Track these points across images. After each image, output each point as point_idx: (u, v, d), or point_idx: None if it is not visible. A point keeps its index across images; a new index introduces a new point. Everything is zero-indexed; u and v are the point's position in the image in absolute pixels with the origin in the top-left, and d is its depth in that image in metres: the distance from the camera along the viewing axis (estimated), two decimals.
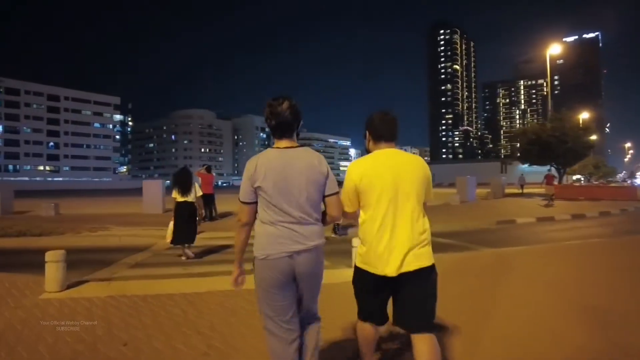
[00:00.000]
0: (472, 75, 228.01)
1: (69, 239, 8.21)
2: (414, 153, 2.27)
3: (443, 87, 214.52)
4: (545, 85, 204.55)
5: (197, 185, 6.65)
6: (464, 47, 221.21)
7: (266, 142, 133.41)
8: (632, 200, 19.65)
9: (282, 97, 2.00)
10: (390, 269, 1.97)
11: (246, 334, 3.10)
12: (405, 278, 1.99)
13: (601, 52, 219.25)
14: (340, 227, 8.96)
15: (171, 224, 6.40)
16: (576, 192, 23.71)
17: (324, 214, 2.09)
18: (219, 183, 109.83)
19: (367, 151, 2.22)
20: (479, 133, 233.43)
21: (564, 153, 25.66)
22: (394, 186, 2.02)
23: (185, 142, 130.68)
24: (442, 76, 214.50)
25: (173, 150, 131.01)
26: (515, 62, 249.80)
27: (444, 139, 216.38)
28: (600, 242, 7.84)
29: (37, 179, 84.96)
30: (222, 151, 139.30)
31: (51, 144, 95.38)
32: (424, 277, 2.03)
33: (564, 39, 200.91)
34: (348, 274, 2.27)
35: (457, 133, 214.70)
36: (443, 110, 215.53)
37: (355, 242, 2.26)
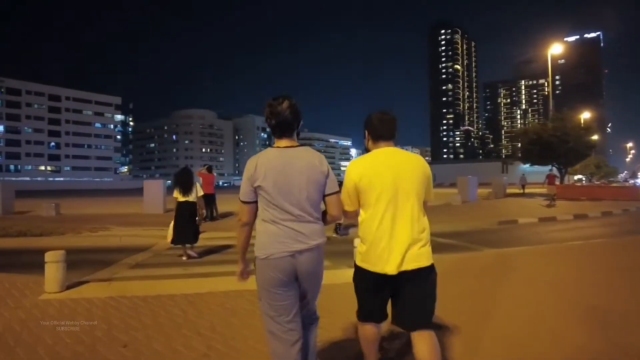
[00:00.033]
0: (473, 75, 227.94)
1: (69, 239, 8.19)
2: (414, 153, 2.25)
3: (444, 87, 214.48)
4: (546, 85, 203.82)
5: (198, 185, 6.64)
6: (465, 47, 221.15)
7: (267, 142, 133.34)
8: (634, 200, 19.59)
9: (282, 96, 2.00)
10: (390, 267, 1.96)
11: (247, 335, 3.08)
12: (405, 278, 1.99)
13: (602, 52, 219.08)
14: (342, 227, 8.93)
15: (172, 223, 6.40)
16: (578, 192, 23.67)
17: (325, 213, 2.09)
18: (220, 183, 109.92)
19: (367, 150, 2.22)
20: (480, 133, 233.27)
21: (566, 153, 25.62)
22: (393, 186, 2.01)
23: (186, 142, 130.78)
24: (443, 76, 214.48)
25: (174, 150, 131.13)
26: (516, 62, 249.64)
27: (445, 139, 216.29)
28: (602, 243, 7.81)
29: (39, 179, 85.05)
30: (223, 151, 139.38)
31: (52, 144, 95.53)
32: (424, 277, 2.03)
33: (565, 39, 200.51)
34: (349, 274, 2.26)
35: (458, 133, 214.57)
36: (444, 110, 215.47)
37: (357, 242, 2.24)
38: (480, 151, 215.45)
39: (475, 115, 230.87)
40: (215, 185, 12.27)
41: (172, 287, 4.46)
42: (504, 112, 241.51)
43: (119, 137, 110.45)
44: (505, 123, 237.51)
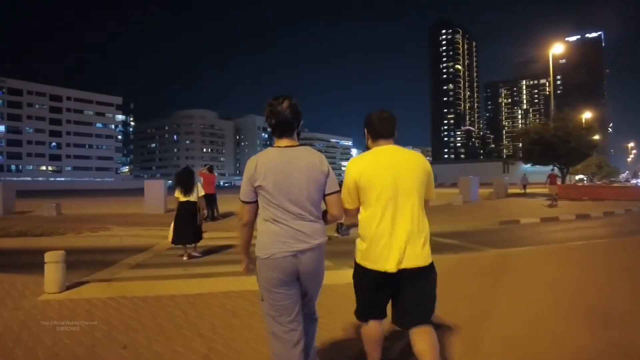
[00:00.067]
0: (474, 75, 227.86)
1: (69, 239, 8.18)
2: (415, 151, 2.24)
3: (445, 87, 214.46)
4: (547, 85, 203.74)
5: (199, 185, 6.63)
6: (465, 47, 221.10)
7: (268, 142, 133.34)
8: (636, 200, 19.52)
9: (282, 96, 2.01)
10: (390, 265, 1.97)
11: (248, 336, 3.04)
12: (404, 278, 2.00)
13: (604, 52, 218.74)
14: (344, 227, 8.90)
15: (173, 223, 6.39)
16: (580, 192, 23.62)
17: (325, 213, 2.09)
18: (221, 183, 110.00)
19: (368, 149, 2.23)
20: (481, 133, 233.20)
21: (567, 153, 25.56)
22: (393, 185, 2.02)
23: (187, 142, 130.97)
24: (444, 76, 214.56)
25: (175, 150, 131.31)
26: (517, 62, 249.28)
27: (445, 139, 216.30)
28: (604, 243, 7.78)
29: (40, 179, 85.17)
30: (224, 151, 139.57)
31: (53, 144, 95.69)
32: (424, 277, 2.04)
33: (567, 39, 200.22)
34: (351, 274, 2.24)
35: (459, 133, 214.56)
36: (445, 110, 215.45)
37: (358, 240, 2.22)
38: (481, 151, 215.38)
39: (476, 115, 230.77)
40: (216, 185, 12.27)
41: (173, 288, 4.43)
42: (505, 112, 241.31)
43: (120, 137, 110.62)
44: (506, 123, 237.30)
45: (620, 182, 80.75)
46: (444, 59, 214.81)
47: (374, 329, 2.16)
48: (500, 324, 3.27)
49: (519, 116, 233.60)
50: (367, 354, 2.23)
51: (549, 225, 11.39)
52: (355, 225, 2.20)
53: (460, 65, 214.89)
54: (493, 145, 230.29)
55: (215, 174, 12.75)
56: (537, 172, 32.71)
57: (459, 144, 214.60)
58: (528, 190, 27.00)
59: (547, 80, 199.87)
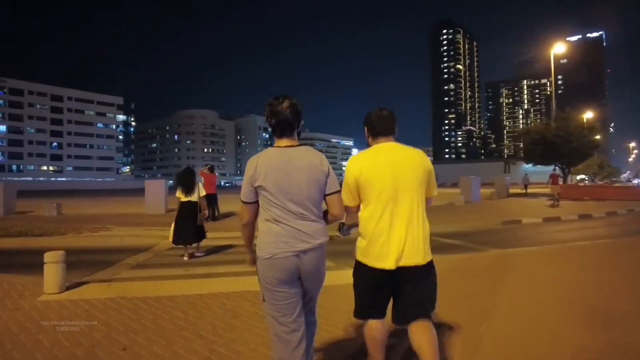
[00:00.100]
0: (475, 75, 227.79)
1: (70, 240, 8.16)
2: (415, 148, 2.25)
3: (446, 87, 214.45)
4: (548, 84, 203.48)
5: (200, 185, 6.62)
6: (466, 47, 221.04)
7: (269, 142, 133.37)
8: (638, 200, 19.44)
9: (282, 96, 2.01)
10: (389, 263, 1.97)
11: (249, 338, 3.01)
12: (404, 277, 2.01)
13: (605, 52, 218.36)
14: (345, 227, 8.86)
15: (174, 223, 6.37)
16: (581, 192, 23.56)
17: (326, 213, 2.09)
18: (222, 183, 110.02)
19: (369, 146, 2.24)
20: (482, 133, 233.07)
21: (569, 153, 25.51)
22: (393, 183, 2.03)
23: (188, 142, 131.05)
24: (445, 76, 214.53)
25: (176, 150, 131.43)
26: (518, 62, 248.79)
27: (446, 139, 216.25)
28: (606, 243, 7.74)
29: (41, 179, 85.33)
30: (224, 151, 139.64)
31: (54, 144, 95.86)
32: (423, 277, 2.05)
33: (568, 39, 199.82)
34: (352, 275, 2.22)
35: (460, 133, 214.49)
36: (446, 110, 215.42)
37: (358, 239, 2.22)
38: (482, 151, 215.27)
39: (477, 115, 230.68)
40: (216, 185, 12.26)
41: (173, 288, 4.40)
42: (506, 112, 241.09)
43: (120, 137, 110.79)
44: (507, 123, 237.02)
45: (622, 182, 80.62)
46: (445, 59, 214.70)
47: (376, 329, 2.14)
48: (501, 324, 3.26)
49: (520, 116, 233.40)
50: (370, 356, 2.20)
51: (551, 226, 11.35)
52: (357, 225, 2.19)
53: (461, 65, 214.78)
54: (494, 145, 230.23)
55: (216, 174, 12.75)
56: (538, 172, 32.67)
57: (460, 144, 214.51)
58: (529, 190, 26.92)
59: (548, 80, 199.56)
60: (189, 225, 6.31)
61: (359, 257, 2.12)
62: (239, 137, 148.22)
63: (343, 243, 7.94)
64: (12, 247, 7.68)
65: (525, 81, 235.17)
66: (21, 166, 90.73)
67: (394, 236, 1.99)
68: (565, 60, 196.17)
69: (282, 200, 1.89)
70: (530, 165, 31.06)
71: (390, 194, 2.02)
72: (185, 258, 6.31)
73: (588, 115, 36.08)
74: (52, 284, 4.11)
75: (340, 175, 2.24)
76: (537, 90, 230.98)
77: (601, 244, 7.52)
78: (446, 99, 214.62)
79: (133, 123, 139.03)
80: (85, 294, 4.16)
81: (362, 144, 2.37)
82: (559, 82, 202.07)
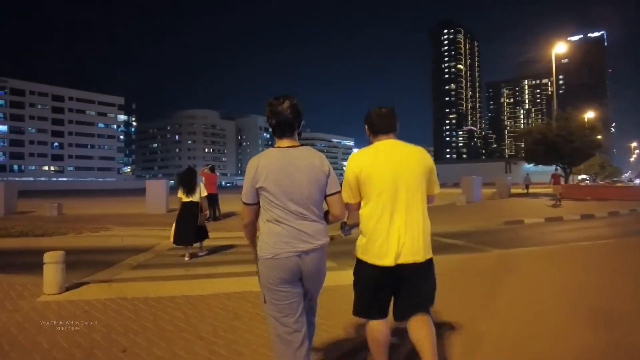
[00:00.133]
0: (476, 75, 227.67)
1: (70, 240, 8.14)
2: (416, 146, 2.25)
3: (447, 87, 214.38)
4: (549, 84, 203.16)
5: (202, 185, 6.60)
6: (467, 47, 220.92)
7: (269, 142, 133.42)
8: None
9: (283, 96, 2.01)
10: (388, 260, 1.98)
11: (250, 339, 2.98)
12: (404, 275, 2.02)
13: (606, 52, 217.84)
14: (347, 227, 8.84)
15: (175, 223, 6.36)
16: (583, 192, 23.51)
17: (327, 213, 2.08)
18: (223, 183, 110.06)
19: (371, 144, 2.26)
20: (483, 133, 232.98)
21: (570, 153, 25.47)
22: (393, 181, 2.03)
23: (189, 142, 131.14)
24: (446, 76, 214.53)
25: (177, 150, 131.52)
26: (519, 62, 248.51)
27: (447, 138, 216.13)
28: (608, 243, 7.71)
29: (42, 179, 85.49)
30: (225, 151, 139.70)
31: (56, 144, 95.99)
32: (423, 275, 2.07)
33: (569, 38, 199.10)
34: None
35: (461, 133, 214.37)
36: (447, 110, 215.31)
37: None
38: (483, 151, 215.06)
39: (478, 115, 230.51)
40: (217, 185, 12.25)
41: (174, 289, 4.37)
42: (507, 112, 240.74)
43: (121, 137, 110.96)
44: (508, 123, 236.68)
45: (623, 182, 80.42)
46: (446, 59, 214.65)
47: (378, 331, 2.12)
48: (502, 324, 3.25)
49: (521, 116, 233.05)
50: (372, 357, 2.19)
51: (553, 226, 11.30)
52: (358, 225, 2.18)
53: (462, 65, 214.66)
54: (495, 145, 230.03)
55: (217, 174, 12.74)
56: (540, 172, 32.64)
57: (461, 144, 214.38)
58: (531, 190, 26.89)
59: (549, 80, 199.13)
60: (190, 226, 6.29)
61: (359, 255, 2.13)
62: (240, 137, 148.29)
63: (345, 243, 7.92)
64: (13, 247, 7.67)
65: (526, 81, 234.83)
66: (22, 166, 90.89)
67: (394, 234, 2.00)
68: (566, 60, 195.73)
69: (283, 201, 1.89)
70: (531, 165, 31.02)
71: (391, 192, 2.02)
72: (186, 258, 6.29)
73: (589, 115, 36.03)
74: (52, 285, 4.08)
75: (341, 175, 2.22)
76: (538, 90, 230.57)
77: (603, 244, 7.49)
78: (447, 99, 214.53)
79: (134, 123, 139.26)
80: (85, 294, 4.14)
81: (363, 144, 2.37)
82: (560, 82, 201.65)
